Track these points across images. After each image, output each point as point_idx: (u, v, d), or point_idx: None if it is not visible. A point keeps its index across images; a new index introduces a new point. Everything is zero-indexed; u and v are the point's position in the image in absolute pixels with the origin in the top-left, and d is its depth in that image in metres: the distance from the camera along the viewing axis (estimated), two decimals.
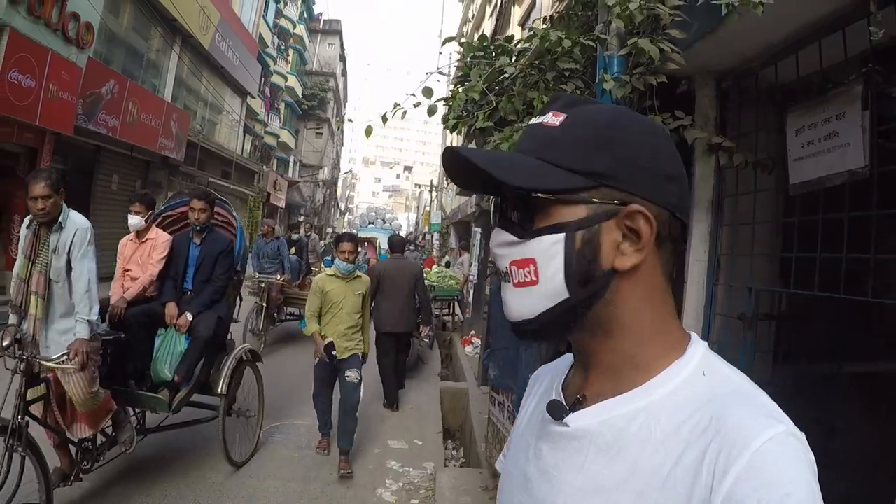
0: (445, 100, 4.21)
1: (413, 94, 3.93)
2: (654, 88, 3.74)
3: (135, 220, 5.03)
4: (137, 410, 4.87)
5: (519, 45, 4.24)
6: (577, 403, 0.87)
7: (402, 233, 29.00)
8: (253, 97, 27.15)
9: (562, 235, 0.81)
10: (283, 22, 33.22)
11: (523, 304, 0.84)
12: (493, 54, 4.20)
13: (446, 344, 12.66)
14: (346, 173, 75.48)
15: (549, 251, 0.81)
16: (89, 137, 13.33)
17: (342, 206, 71.50)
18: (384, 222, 27.00)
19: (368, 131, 4.67)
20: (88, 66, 12.39)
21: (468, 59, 4.25)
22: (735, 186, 3.61)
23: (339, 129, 39.55)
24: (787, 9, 2.71)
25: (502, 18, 17.90)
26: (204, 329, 4.80)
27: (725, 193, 3.69)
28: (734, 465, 0.67)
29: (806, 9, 2.76)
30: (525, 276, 0.83)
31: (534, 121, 0.88)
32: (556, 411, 0.88)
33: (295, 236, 12.26)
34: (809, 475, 0.67)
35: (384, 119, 4.46)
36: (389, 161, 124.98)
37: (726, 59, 3.41)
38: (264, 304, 9.78)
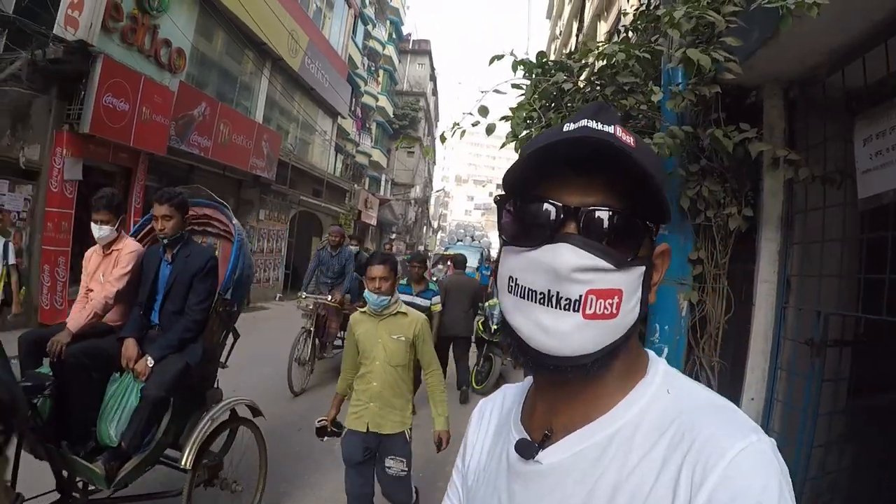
0: (505, 118, 4.10)
1: (471, 113, 3.86)
2: (720, 100, 3.53)
3: (103, 232, 3.89)
4: (77, 479, 3.56)
5: (580, 61, 4.09)
6: (545, 439, 0.85)
7: (493, 251, 28.97)
8: (344, 117, 27.79)
9: (643, 269, 0.80)
10: (372, 43, 33.98)
11: (588, 337, 0.76)
12: (552, 70, 4.06)
13: None
14: (438, 191, 76.36)
15: (633, 284, 0.78)
16: (182, 157, 13.91)
17: (434, 224, 72.21)
18: (473, 240, 27.08)
19: (443, 139, 4.66)
20: (180, 89, 12.97)
21: (525, 75, 4.15)
22: (806, 202, 3.32)
23: (425, 156, 40.03)
24: (848, 9, 2.49)
25: (589, 34, 17.72)
26: (156, 385, 3.49)
27: (796, 209, 3.38)
28: (709, 476, 0.68)
29: (867, 9, 2.52)
30: (605, 307, 0.76)
31: (599, 126, 0.78)
32: (526, 450, 0.85)
33: (352, 248, 10.13)
34: (782, 482, 0.68)
35: (443, 139, 4.49)
36: (482, 179, 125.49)
37: (791, 67, 3.18)
38: (312, 329, 8.45)
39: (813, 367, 2.98)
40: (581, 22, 19.71)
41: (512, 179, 0.84)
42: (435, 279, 11.68)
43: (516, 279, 0.80)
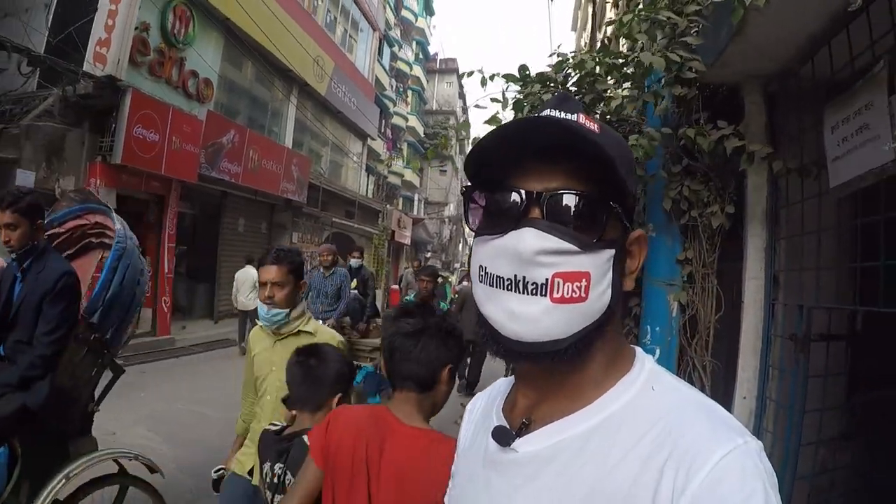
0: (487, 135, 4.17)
1: (452, 129, 3.95)
2: (700, 100, 3.55)
3: None
4: None
5: (558, 73, 4.13)
6: (523, 427, 0.83)
7: None
8: (373, 139, 28.09)
9: (612, 252, 0.79)
10: (399, 65, 34.36)
11: (558, 322, 0.75)
12: (533, 83, 4.11)
13: None
14: None
15: (602, 267, 0.77)
16: (213, 184, 14.27)
17: (470, 241, 72.11)
18: None
19: (415, 166, 4.72)
20: (208, 118, 13.34)
21: (504, 90, 4.19)
22: (787, 195, 3.30)
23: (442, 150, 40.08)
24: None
25: (610, 46, 17.64)
26: None
27: (781, 204, 3.36)
28: (693, 480, 0.66)
29: None
30: (573, 290, 0.75)
31: (563, 115, 0.80)
32: (503, 437, 0.84)
33: (353, 262, 9.25)
34: (768, 488, 0.67)
35: (427, 156, 4.58)
36: None
37: (765, 61, 3.17)
38: None
39: (797, 364, 2.93)
40: (604, 33, 19.63)
41: (475, 168, 0.85)
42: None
43: (485, 267, 0.80)
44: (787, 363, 3.11)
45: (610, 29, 4.16)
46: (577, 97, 4.00)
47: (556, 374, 0.81)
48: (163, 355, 11.46)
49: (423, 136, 39.82)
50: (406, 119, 36.20)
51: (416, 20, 37.13)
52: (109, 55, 10.38)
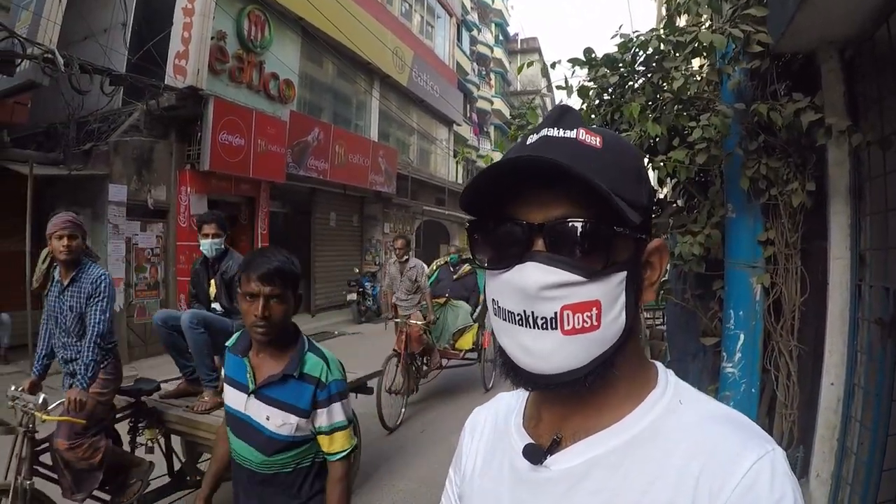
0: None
1: (516, 120, 3.91)
2: (774, 72, 3.39)
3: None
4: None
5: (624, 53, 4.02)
6: (554, 445, 0.83)
7: None
8: (459, 125, 28.11)
9: (624, 274, 0.77)
10: (479, 48, 34.12)
11: (572, 353, 0.75)
12: (600, 66, 4.02)
13: (662, 354, 12.08)
14: None
15: (613, 292, 0.76)
16: (302, 181, 14.67)
17: None
18: None
19: (500, 147, 4.76)
20: (292, 118, 13.70)
21: (569, 76, 4.13)
22: (876, 168, 3.07)
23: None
24: None
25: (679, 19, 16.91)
26: None
27: (864, 178, 3.15)
28: (727, 485, 0.69)
29: None
30: (584, 321, 0.74)
31: (560, 134, 0.79)
32: (535, 455, 0.83)
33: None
34: (796, 493, 0.69)
35: (500, 147, 4.59)
36: None
37: (838, 26, 2.98)
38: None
39: (884, 349, 2.75)
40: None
41: (473, 200, 0.82)
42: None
43: (497, 301, 0.79)
44: (874, 348, 2.93)
45: (673, 4, 3.98)
46: (647, 76, 3.88)
47: (584, 394, 0.80)
48: None
49: (509, 117, 39.45)
50: (491, 102, 35.97)
51: (493, 2, 36.69)
52: (189, 66, 10.80)
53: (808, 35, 3.06)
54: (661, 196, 4.40)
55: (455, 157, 27.77)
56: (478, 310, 8.69)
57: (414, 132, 23.74)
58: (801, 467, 3.38)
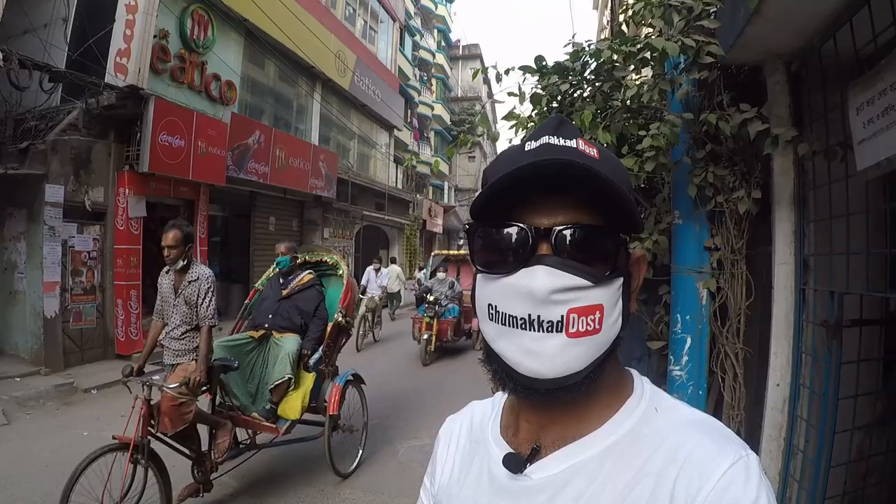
0: (513, 126, 4.16)
1: (469, 125, 3.93)
2: (721, 83, 3.49)
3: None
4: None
5: (575, 62, 4.07)
6: (534, 453, 0.83)
7: None
8: (399, 129, 28.09)
9: (622, 280, 0.80)
10: (422, 54, 34.18)
11: (575, 355, 0.76)
12: (550, 74, 4.06)
13: None
14: None
15: (613, 297, 0.78)
16: (242, 185, 14.39)
17: None
18: None
19: (450, 153, 4.79)
20: (233, 120, 13.42)
21: (521, 83, 4.15)
22: (820, 177, 3.19)
23: (448, 156, 39.89)
24: None
25: (628, 30, 17.33)
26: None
27: (809, 186, 3.28)
28: (703, 489, 0.71)
29: None
30: (588, 324, 0.75)
31: (561, 142, 0.79)
32: (515, 464, 0.83)
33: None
34: (770, 495, 0.71)
35: (449, 153, 4.62)
36: None
37: (786, 40, 3.08)
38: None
39: (830, 350, 2.86)
40: (625, 14, 19.31)
41: (480, 206, 0.82)
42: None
43: (496, 306, 0.79)
44: (819, 350, 3.04)
45: (624, 14, 4.06)
46: (595, 84, 3.94)
47: (566, 401, 0.81)
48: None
49: (449, 123, 39.64)
50: (432, 108, 36.08)
51: (436, 8, 36.85)
52: (130, 65, 10.49)
53: (756, 47, 3.17)
54: None
55: (400, 163, 27.75)
56: (315, 356, 5.54)
57: (354, 136, 23.61)
58: None
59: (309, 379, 5.47)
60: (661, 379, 4.13)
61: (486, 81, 44.16)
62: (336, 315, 5.80)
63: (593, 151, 0.79)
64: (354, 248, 22.12)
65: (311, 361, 5.54)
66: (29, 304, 9.58)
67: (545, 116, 4.10)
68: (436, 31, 37.90)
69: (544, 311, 0.74)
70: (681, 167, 3.65)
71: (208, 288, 4.71)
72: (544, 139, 0.80)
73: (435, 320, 11.62)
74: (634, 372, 0.90)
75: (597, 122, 3.65)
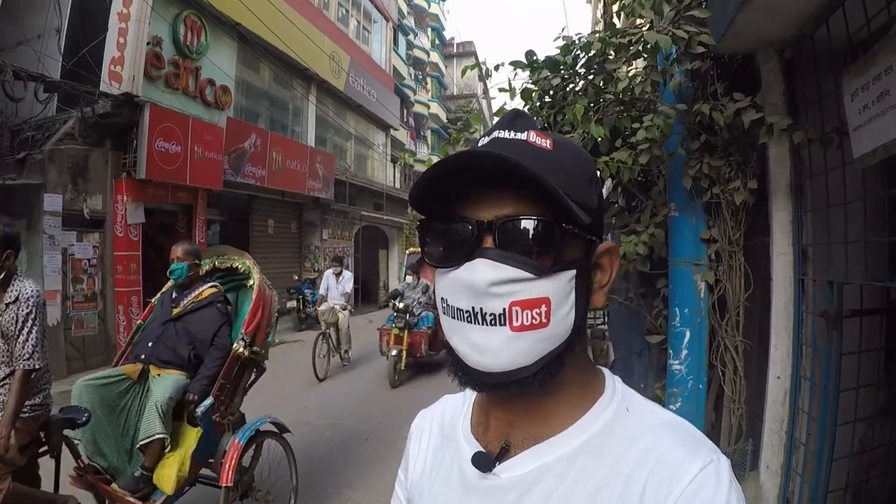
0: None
1: (463, 123, 3.90)
2: (715, 72, 3.45)
3: None
4: None
5: (565, 55, 4.03)
6: (503, 452, 0.83)
7: None
8: (396, 129, 28.05)
9: (573, 272, 0.78)
10: (416, 52, 34.14)
11: (521, 350, 0.74)
12: (541, 69, 4.03)
13: (603, 353, 12.18)
14: None
15: (562, 290, 0.76)
16: (240, 189, 14.37)
17: None
18: None
19: (443, 151, 4.74)
20: (228, 125, 13.41)
21: (511, 78, 4.14)
22: (816, 165, 3.15)
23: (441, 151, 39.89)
24: None
25: (620, 22, 17.33)
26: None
27: (806, 175, 3.24)
28: (673, 492, 0.70)
29: None
30: (533, 317, 0.74)
31: (511, 136, 0.79)
32: (484, 463, 0.83)
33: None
34: (740, 499, 0.71)
35: (443, 151, 4.57)
36: None
37: (778, 27, 3.05)
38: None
39: (830, 341, 2.82)
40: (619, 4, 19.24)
41: (417, 197, 0.82)
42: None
43: (447, 300, 0.79)
44: (819, 341, 3.00)
45: (616, 5, 4.03)
46: (588, 78, 3.91)
47: (533, 398, 0.81)
48: None
49: (446, 121, 39.59)
50: (428, 106, 36.00)
51: (430, 6, 36.78)
52: (124, 73, 10.51)
53: (748, 36, 3.13)
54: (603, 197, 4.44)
55: (395, 162, 27.71)
56: (204, 403, 4.00)
57: (351, 137, 23.58)
58: (750, 460, 3.44)
59: (192, 435, 3.97)
60: (662, 373, 4.10)
61: (481, 79, 44.14)
62: (236, 344, 4.22)
63: (546, 142, 0.78)
64: (354, 248, 22.08)
65: (198, 411, 3.97)
66: None
67: (537, 111, 4.07)
68: (429, 29, 37.81)
69: (486, 304, 0.74)
70: (675, 159, 3.61)
71: (28, 313, 3.39)
72: (495, 134, 0.80)
73: (405, 332, 9.82)
74: (606, 370, 0.89)
75: (589, 115, 3.62)
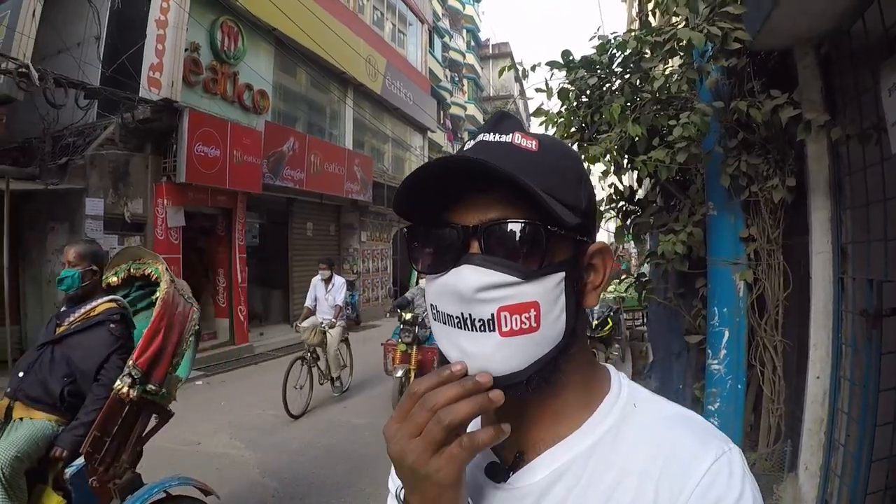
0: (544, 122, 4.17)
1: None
2: (752, 69, 3.43)
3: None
4: None
5: (602, 55, 4.04)
6: (517, 461, 0.82)
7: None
8: (433, 131, 28.15)
9: (562, 275, 0.77)
10: (452, 55, 34.18)
11: (512, 355, 0.74)
12: (578, 68, 4.04)
13: (643, 354, 12.11)
14: None
15: (551, 293, 0.75)
16: (279, 192, 14.59)
17: None
18: None
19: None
20: (266, 129, 13.63)
21: (548, 78, 4.16)
22: (855, 162, 3.11)
23: None
24: None
25: (656, 20, 17.14)
26: None
27: (843, 172, 3.20)
28: (687, 485, 0.70)
29: None
30: (522, 322, 0.73)
31: (496, 138, 0.79)
32: (497, 474, 0.82)
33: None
34: (755, 491, 0.71)
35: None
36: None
37: (815, 22, 3.01)
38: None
39: (870, 340, 2.78)
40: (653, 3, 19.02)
41: (409, 205, 0.81)
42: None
43: (436, 306, 0.79)
44: (859, 340, 2.96)
45: (651, 3, 4.03)
46: (624, 77, 3.90)
47: (537, 402, 0.81)
48: (243, 363, 11.88)
49: (482, 122, 39.47)
50: (464, 108, 36.04)
51: (464, 8, 36.75)
52: (163, 79, 10.72)
53: (784, 32, 3.10)
54: (640, 196, 4.42)
55: None
56: (75, 463, 3.08)
57: (388, 140, 23.73)
58: (789, 461, 3.40)
59: None
60: (700, 374, 4.07)
61: (518, 79, 44.00)
62: (119, 381, 3.19)
63: (531, 144, 0.78)
64: (392, 250, 22.23)
65: (68, 472, 3.05)
66: None
67: (574, 112, 4.08)
68: (465, 31, 37.82)
69: (474, 310, 0.73)
70: (713, 157, 3.59)
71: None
72: (481, 137, 0.80)
73: (413, 348, 7.94)
74: (611, 368, 0.89)
75: (626, 114, 3.61)
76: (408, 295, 8.91)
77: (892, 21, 2.53)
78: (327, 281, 8.96)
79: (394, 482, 0.97)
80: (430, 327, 7.20)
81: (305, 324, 8.56)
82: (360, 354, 10.08)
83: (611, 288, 10.99)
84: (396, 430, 0.71)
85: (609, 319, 9.99)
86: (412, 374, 7.65)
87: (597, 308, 11.63)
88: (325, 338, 8.51)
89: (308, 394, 8.12)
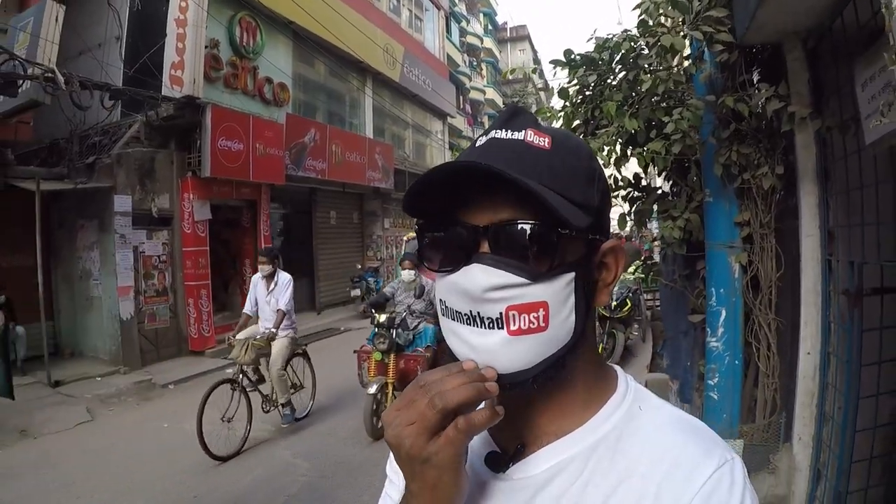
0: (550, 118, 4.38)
1: (531, 94, 4.12)
2: (743, 64, 3.60)
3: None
4: None
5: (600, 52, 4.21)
6: (517, 453, 0.82)
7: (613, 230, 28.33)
8: (452, 117, 28.20)
9: (572, 275, 0.76)
10: (469, 39, 34.14)
11: (519, 353, 0.74)
12: (579, 66, 4.22)
13: (664, 335, 12.09)
14: None
15: (561, 294, 0.75)
16: (302, 182, 14.86)
17: None
18: None
19: None
20: (288, 121, 13.89)
21: (553, 76, 4.35)
22: (839, 150, 3.28)
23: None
24: None
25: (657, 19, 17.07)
26: None
27: (830, 160, 3.37)
28: (687, 492, 0.70)
29: None
30: (531, 321, 0.73)
31: (508, 135, 0.78)
32: (497, 464, 0.82)
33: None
34: (754, 499, 0.72)
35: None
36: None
37: (797, 18, 3.18)
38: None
39: (851, 318, 2.97)
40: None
41: (419, 205, 0.82)
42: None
43: (445, 301, 0.79)
44: (842, 318, 3.14)
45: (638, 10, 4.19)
46: (620, 74, 4.09)
47: (540, 398, 0.81)
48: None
49: (502, 106, 39.43)
50: (483, 92, 36.02)
51: None
52: (185, 76, 10.97)
53: (771, 28, 3.27)
54: (645, 183, 4.61)
55: (453, 149, 27.87)
56: None
57: (408, 127, 23.90)
58: (784, 432, 3.61)
59: None
60: (705, 351, 4.27)
61: (537, 60, 43.78)
62: None
63: (544, 141, 0.77)
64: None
65: None
66: (105, 309, 10.35)
67: (575, 109, 4.27)
68: (481, 15, 37.72)
69: (483, 309, 0.74)
70: (707, 147, 3.77)
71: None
72: (492, 133, 0.79)
73: (391, 356, 6.52)
74: (619, 369, 0.89)
75: (623, 109, 3.80)
76: (386, 290, 7.74)
77: (866, 18, 2.69)
78: (269, 279, 7.11)
79: (391, 468, 0.99)
80: (412, 328, 6.98)
81: (241, 336, 6.70)
82: None
83: (631, 269, 10.96)
84: (395, 416, 0.72)
85: (628, 300, 9.97)
86: (390, 389, 6.36)
87: (616, 288, 11.60)
88: (258, 355, 6.68)
89: (245, 427, 6.31)
